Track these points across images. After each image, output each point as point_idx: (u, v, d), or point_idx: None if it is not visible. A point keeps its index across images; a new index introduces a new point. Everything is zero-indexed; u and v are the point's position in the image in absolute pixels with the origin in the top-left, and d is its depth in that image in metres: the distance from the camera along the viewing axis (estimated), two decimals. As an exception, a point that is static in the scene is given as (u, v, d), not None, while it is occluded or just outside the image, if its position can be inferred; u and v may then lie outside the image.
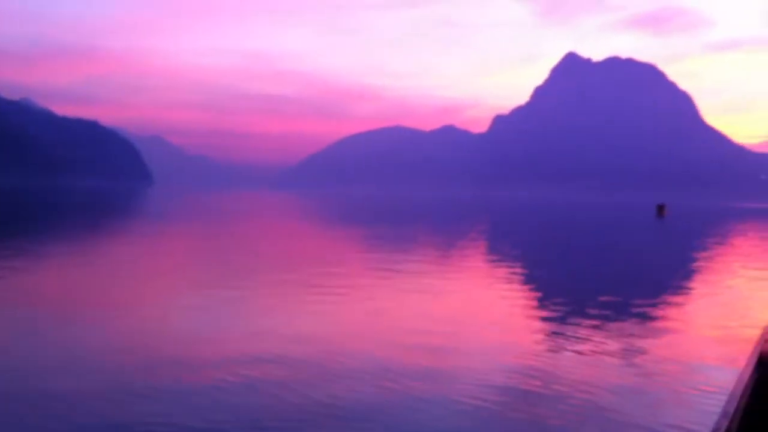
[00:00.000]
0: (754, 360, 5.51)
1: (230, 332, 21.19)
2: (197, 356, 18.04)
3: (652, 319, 26.38)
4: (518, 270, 42.15)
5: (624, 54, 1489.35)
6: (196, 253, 46.49)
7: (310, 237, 68.78)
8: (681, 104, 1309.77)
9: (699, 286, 38.31)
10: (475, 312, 26.82)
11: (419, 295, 30.27)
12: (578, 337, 22.18)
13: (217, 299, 27.26)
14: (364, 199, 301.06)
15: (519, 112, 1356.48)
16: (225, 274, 34.74)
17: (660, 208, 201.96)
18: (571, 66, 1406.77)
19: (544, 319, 25.81)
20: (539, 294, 32.87)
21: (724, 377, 17.33)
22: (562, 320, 25.30)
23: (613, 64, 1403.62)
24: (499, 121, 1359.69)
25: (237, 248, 51.05)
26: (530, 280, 38.29)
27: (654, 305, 29.89)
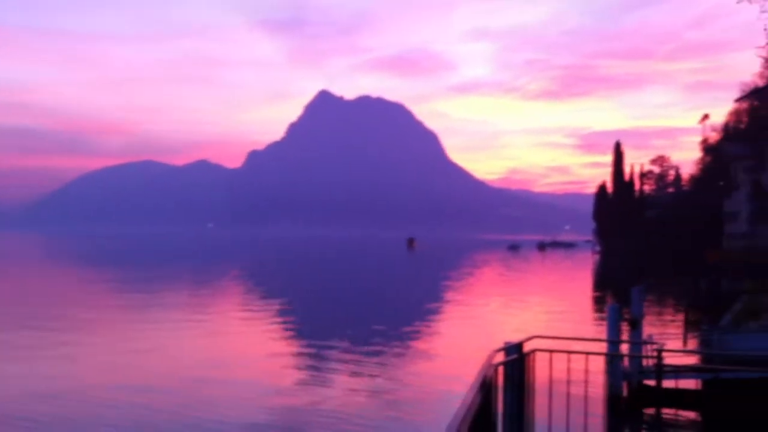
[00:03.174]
0: (478, 384, 5.68)
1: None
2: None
3: (406, 347, 27.35)
4: (278, 307, 42.10)
5: (374, 93, 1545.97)
6: None
7: (43, 280, 64.78)
8: (428, 142, 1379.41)
9: (449, 313, 40.28)
10: (236, 352, 26.40)
11: (177, 338, 29.32)
12: (335, 371, 22.49)
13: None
14: (112, 238, 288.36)
15: (274, 147, 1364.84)
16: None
17: (410, 242, 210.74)
18: (324, 103, 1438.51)
19: (302, 354, 25.94)
20: (297, 329, 33.01)
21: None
22: (320, 355, 25.52)
23: (365, 102, 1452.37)
24: (254, 156, 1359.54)
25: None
26: (289, 316, 38.37)
27: (407, 334, 31.00)
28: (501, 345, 8.03)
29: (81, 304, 41.10)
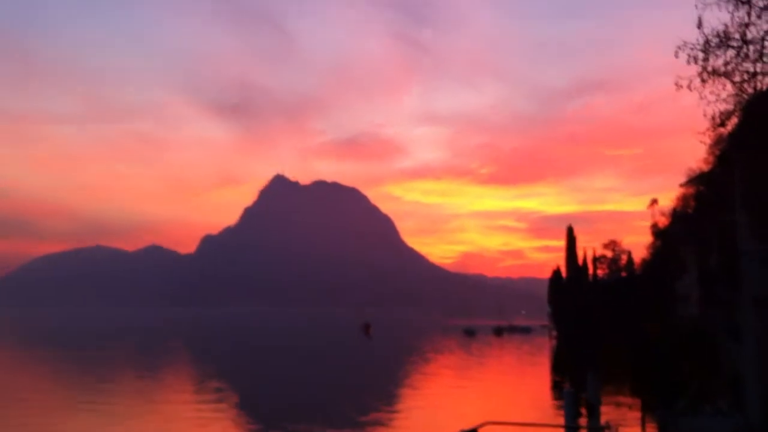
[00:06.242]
0: None
1: None
2: None
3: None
4: (234, 397, 41.34)
5: (329, 178, 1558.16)
6: None
7: None
8: (383, 226, 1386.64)
9: (411, 398, 39.88)
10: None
11: (135, 423, 28.52)
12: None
13: None
14: (62, 322, 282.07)
15: (229, 232, 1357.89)
16: None
17: (366, 327, 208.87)
18: (279, 188, 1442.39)
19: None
20: (253, 420, 32.29)
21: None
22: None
23: (320, 187, 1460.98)
24: (209, 241, 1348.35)
25: None
26: (246, 406, 37.60)
27: (371, 419, 30.53)
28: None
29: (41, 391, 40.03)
